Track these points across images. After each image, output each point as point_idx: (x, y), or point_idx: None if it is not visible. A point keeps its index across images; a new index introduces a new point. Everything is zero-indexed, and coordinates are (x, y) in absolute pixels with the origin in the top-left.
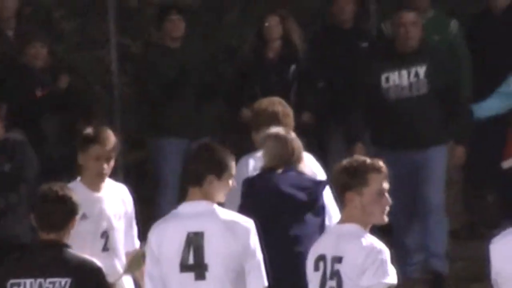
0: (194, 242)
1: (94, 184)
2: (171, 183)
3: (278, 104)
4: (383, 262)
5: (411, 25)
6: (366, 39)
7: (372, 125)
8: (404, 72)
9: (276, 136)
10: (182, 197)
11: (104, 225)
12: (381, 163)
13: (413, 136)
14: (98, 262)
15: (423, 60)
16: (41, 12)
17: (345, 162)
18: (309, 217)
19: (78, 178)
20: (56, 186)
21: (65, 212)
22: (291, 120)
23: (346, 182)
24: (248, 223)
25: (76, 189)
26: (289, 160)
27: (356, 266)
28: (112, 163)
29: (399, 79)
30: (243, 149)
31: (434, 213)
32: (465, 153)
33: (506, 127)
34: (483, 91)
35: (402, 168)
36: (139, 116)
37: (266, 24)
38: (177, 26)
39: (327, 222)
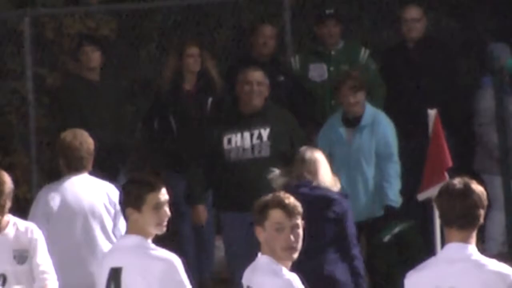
0: (114, 276)
1: None
2: None
3: (72, 136)
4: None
5: (257, 84)
6: (282, 73)
7: (214, 187)
8: (247, 134)
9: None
10: None
11: None
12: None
13: (254, 199)
14: None
15: (267, 122)
16: None
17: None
18: None
19: None
20: None
21: None
22: (80, 153)
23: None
24: (169, 261)
25: None
26: None
27: None
28: (7, 208)
29: (241, 141)
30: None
31: None
32: None
33: (422, 160)
34: (396, 123)
35: (244, 231)
36: (55, 147)
37: (187, 54)
38: (91, 57)
39: None
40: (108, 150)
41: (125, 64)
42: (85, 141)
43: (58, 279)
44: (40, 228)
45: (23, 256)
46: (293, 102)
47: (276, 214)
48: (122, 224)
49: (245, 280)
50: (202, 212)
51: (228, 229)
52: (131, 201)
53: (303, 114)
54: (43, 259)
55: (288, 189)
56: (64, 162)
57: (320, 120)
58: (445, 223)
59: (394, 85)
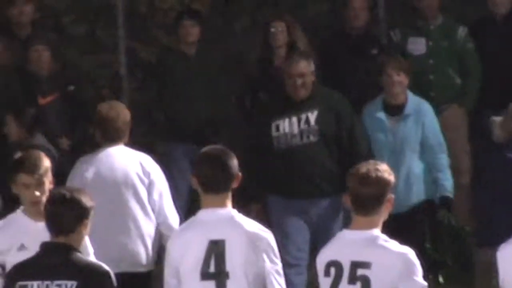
0: (216, 250)
1: (35, 212)
2: (181, 189)
3: (109, 108)
4: (414, 264)
5: (300, 76)
6: (375, 46)
7: (265, 174)
8: (295, 119)
9: None
10: (194, 203)
11: None
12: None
13: (305, 184)
14: (106, 266)
15: (315, 106)
16: (51, 17)
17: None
18: None
19: (21, 207)
20: (65, 189)
21: (72, 215)
22: (116, 124)
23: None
24: (268, 232)
25: (17, 219)
26: None
27: (390, 271)
28: (45, 187)
29: (289, 127)
30: None
31: None
32: None
33: None
34: (486, 100)
35: (296, 217)
36: (148, 122)
37: (272, 30)
38: (190, 31)
39: None
40: (203, 124)
41: (218, 38)
42: (122, 112)
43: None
44: None
45: None
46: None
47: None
48: (157, 194)
49: (344, 256)
50: (259, 212)
51: (277, 213)
52: (231, 174)
53: None
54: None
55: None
56: (100, 133)
57: (416, 93)
58: None
59: (485, 60)
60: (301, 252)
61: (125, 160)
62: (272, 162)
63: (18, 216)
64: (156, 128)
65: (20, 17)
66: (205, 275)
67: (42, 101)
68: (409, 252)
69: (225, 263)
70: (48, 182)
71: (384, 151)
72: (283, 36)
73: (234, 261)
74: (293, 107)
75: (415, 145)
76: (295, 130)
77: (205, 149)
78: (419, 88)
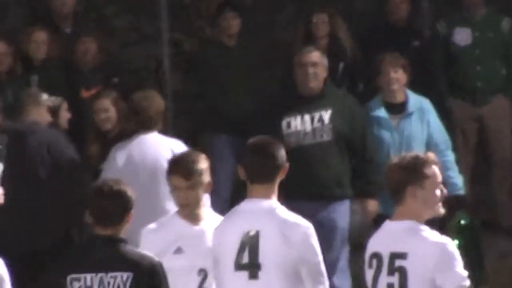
0: (250, 240)
1: (190, 215)
2: (224, 180)
3: (142, 97)
4: (453, 254)
5: (312, 65)
6: (418, 38)
7: None
8: (307, 117)
9: None
10: (236, 194)
11: (200, 262)
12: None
13: (315, 185)
14: (156, 258)
15: (329, 105)
16: (93, 9)
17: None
18: None
19: (177, 209)
20: (111, 181)
21: (120, 207)
22: (148, 113)
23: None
24: (305, 227)
25: (173, 221)
26: None
27: (426, 261)
28: (200, 190)
29: (301, 125)
30: None
31: (336, 274)
32: (377, 205)
33: None
34: None
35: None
36: (191, 112)
37: (314, 21)
38: (232, 23)
39: None
40: (245, 115)
41: (261, 28)
42: (154, 101)
43: None
44: None
45: None
46: (428, 67)
47: (435, 170)
48: None
49: (384, 248)
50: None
51: None
52: (279, 164)
53: (439, 79)
54: None
55: None
56: (134, 121)
57: (463, 84)
58: None
59: None
60: None
61: (157, 147)
62: None
63: (174, 219)
64: (199, 119)
65: (63, 9)
66: (238, 266)
67: (85, 93)
68: (448, 242)
69: (258, 254)
70: (204, 184)
71: (390, 150)
72: (324, 27)
73: (266, 252)
74: (306, 104)
75: (422, 143)
76: (308, 128)
77: (252, 139)
78: (466, 79)
